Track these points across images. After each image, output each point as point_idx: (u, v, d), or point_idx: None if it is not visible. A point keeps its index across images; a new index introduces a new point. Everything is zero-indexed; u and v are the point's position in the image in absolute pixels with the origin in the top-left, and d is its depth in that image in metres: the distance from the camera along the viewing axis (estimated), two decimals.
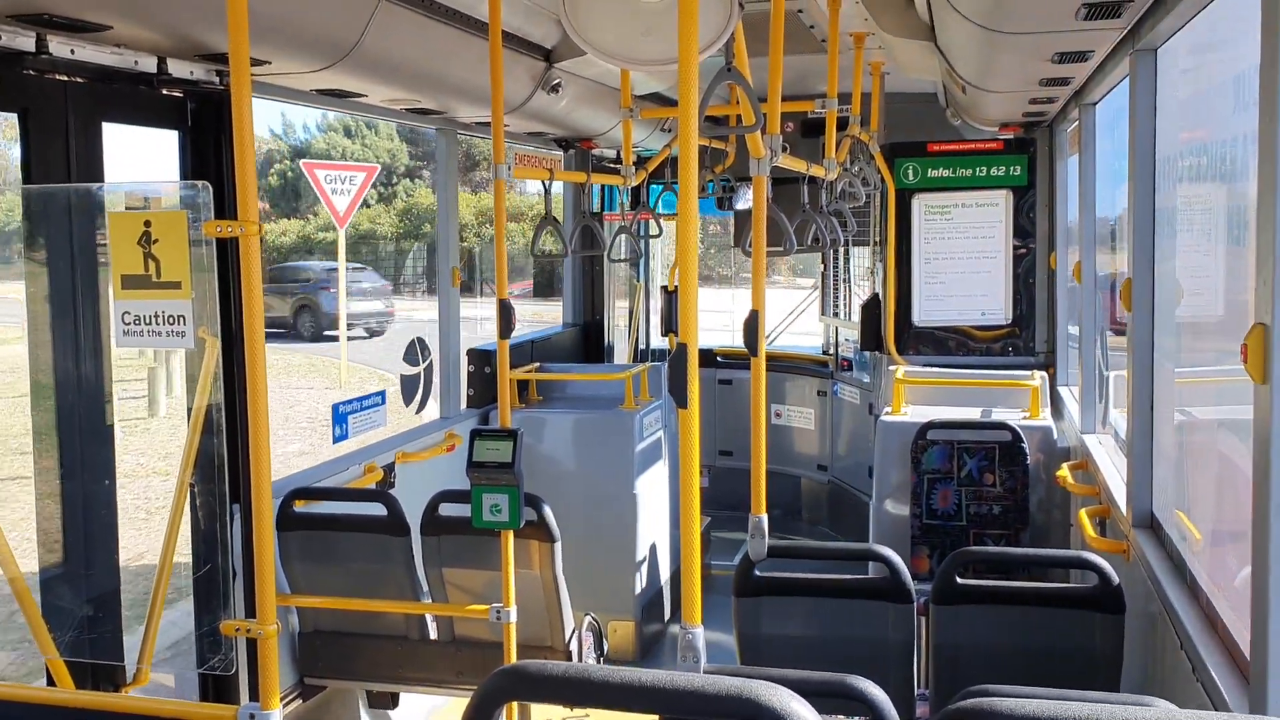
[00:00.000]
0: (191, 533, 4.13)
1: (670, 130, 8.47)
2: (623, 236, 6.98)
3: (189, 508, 4.06)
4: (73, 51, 3.71)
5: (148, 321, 3.00)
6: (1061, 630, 3.58)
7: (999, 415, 6.43)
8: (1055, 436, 6.31)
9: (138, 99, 4.13)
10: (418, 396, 6.76)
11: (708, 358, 9.80)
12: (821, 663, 3.04)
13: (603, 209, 9.84)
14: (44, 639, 3.53)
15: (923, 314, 7.82)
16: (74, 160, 3.86)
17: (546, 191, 5.74)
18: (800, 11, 5.93)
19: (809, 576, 3.83)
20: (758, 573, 3.80)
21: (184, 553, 4.12)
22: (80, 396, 3.94)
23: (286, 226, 38.06)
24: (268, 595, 2.86)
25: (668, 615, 7.17)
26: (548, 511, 4.59)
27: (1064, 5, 3.66)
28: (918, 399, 6.77)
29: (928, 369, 7.22)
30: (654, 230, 8.79)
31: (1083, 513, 4.78)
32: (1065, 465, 5.67)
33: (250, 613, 2.96)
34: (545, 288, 29.07)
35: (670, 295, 9.44)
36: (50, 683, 3.62)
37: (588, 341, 9.43)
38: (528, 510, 4.36)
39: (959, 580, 3.67)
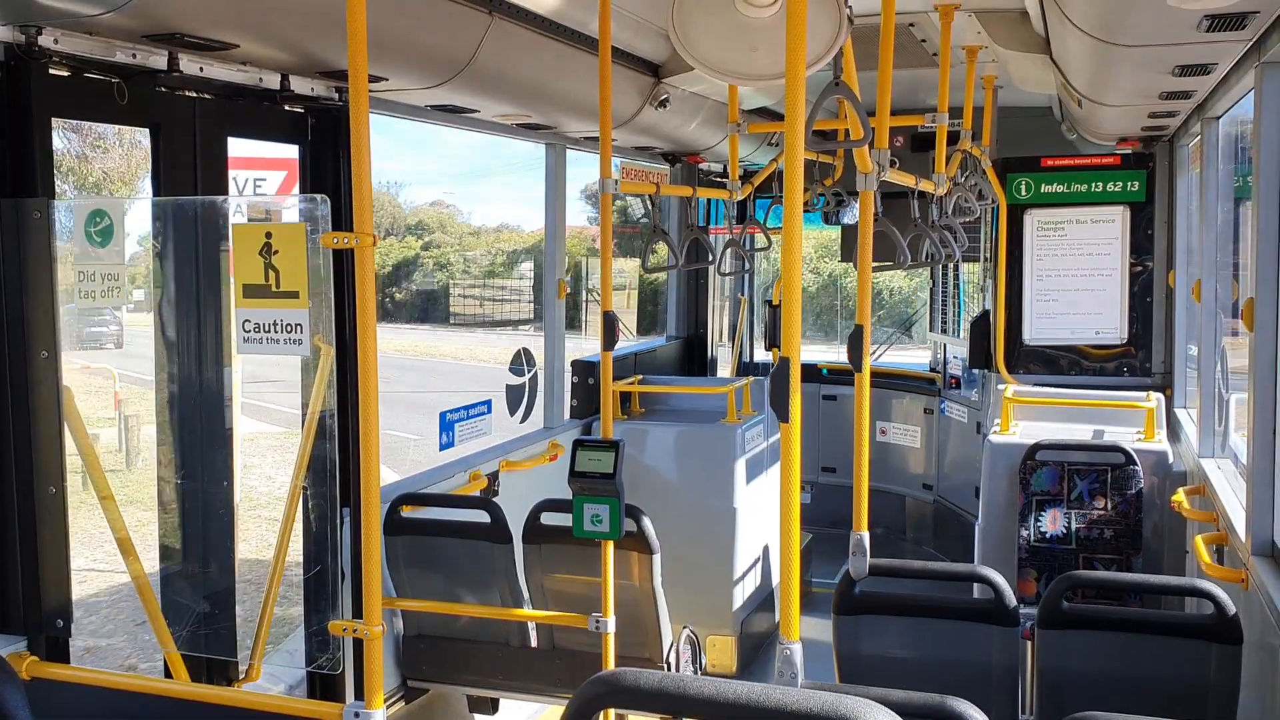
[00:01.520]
0: (303, 534, 4.25)
1: (777, 144, 8.45)
2: (730, 250, 6.99)
3: (301, 510, 4.18)
4: (201, 69, 3.87)
5: (266, 329, 3.11)
6: (1173, 660, 3.46)
7: (1112, 437, 6.26)
8: (1171, 460, 6.11)
9: (261, 114, 4.28)
10: (522, 406, 6.86)
11: (812, 372, 9.74)
12: (922, 684, 3.00)
13: (708, 223, 9.86)
14: (163, 633, 3.67)
15: (1034, 332, 7.65)
16: (200, 173, 4.02)
17: (653, 205, 5.77)
18: (912, 25, 5.87)
19: (911, 596, 3.78)
20: (858, 591, 3.77)
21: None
22: (202, 401, 4.09)
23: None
24: (374, 597, 2.94)
25: (767, 631, 7.13)
26: (647, 523, 4.61)
27: (1185, 17, 3.56)
28: (1027, 419, 6.63)
29: (1038, 388, 7.07)
30: (761, 243, 8.78)
31: (1199, 539, 4.63)
32: (1181, 490, 5.48)
33: (358, 614, 3.04)
34: (649, 322, 25.11)
35: (775, 309, 9.40)
36: (168, 675, 3.77)
37: (690, 355, 9.44)
38: (628, 521, 4.39)
39: (1066, 604, 3.58)
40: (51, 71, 3.40)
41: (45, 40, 3.31)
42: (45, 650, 3.50)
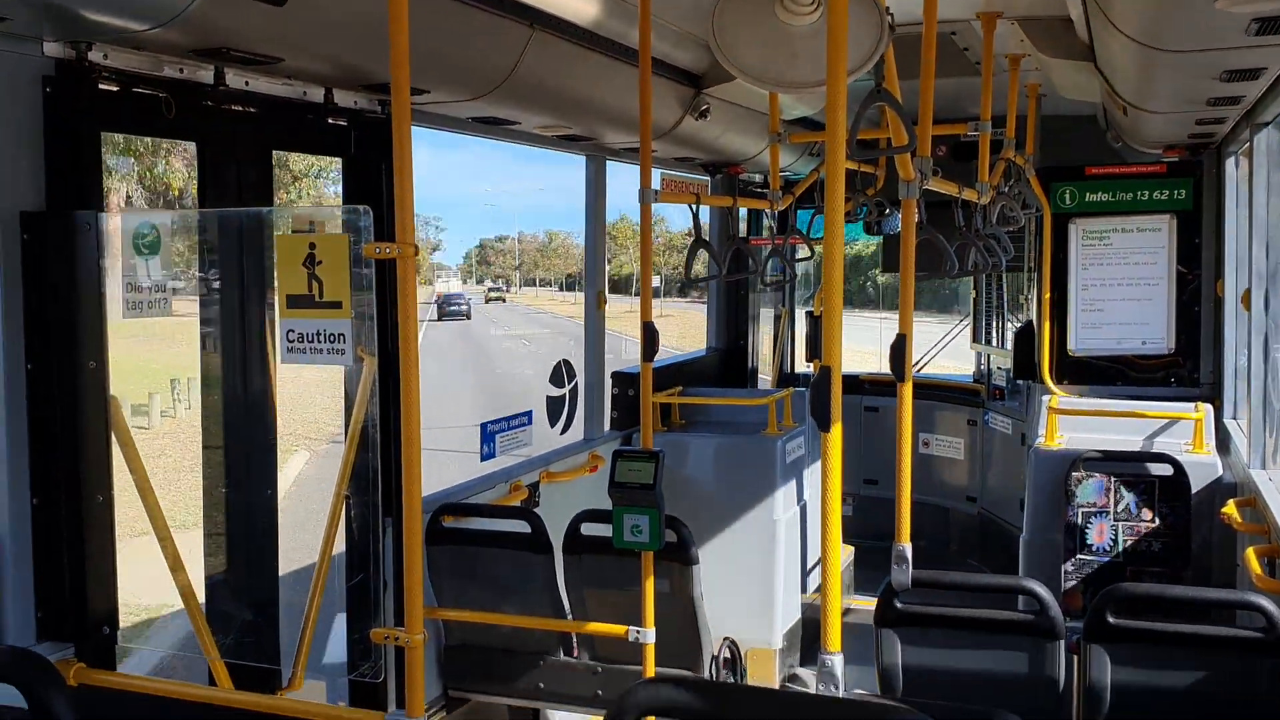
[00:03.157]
0: (346, 544, 4.28)
1: (818, 154, 8.43)
2: (772, 260, 6.97)
3: (344, 519, 4.20)
4: (247, 84, 3.92)
5: (310, 339, 3.13)
6: (1223, 675, 3.40)
7: (1159, 448, 6.17)
8: (1220, 472, 6.01)
9: (305, 127, 4.33)
10: (562, 417, 6.87)
11: (853, 383, 9.67)
12: (965, 697, 2.96)
13: (749, 234, 9.83)
14: (207, 641, 3.70)
15: (1079, 342, 7.56)
16: (244, 185, 4.07)
17: (695, 216, 5.77)
18: (953, 34, 5.84)
19: (954, 608, 3.74)
20: (900, 603, 3.73)
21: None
22: (247, 410, 4.13)
23: None
24: (416, 606, 2.95)
25: (809, 644, 7.08)
26: (688, 534, 4.60)
27: (1233, 20, 3.50)
28: (1072, 430, 6.54)
29: (1084, 399, 6.98)
30: (803, 253, 8.75)
31: (1250, 551, 4.54)
32: (1232, 501, 5.39)
33: (399, 623, 3.05)
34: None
35: (816, 320, 9.36)
36: (212, 682, 3.80)
37: (731, 366, 9.42)
38: (668, 532, 4.37)
39: (1112, 618, 3.52)
40: (101, 86, 3.45)
41: (95, 56, 3.37)
42: (92, 657, 3.54)
